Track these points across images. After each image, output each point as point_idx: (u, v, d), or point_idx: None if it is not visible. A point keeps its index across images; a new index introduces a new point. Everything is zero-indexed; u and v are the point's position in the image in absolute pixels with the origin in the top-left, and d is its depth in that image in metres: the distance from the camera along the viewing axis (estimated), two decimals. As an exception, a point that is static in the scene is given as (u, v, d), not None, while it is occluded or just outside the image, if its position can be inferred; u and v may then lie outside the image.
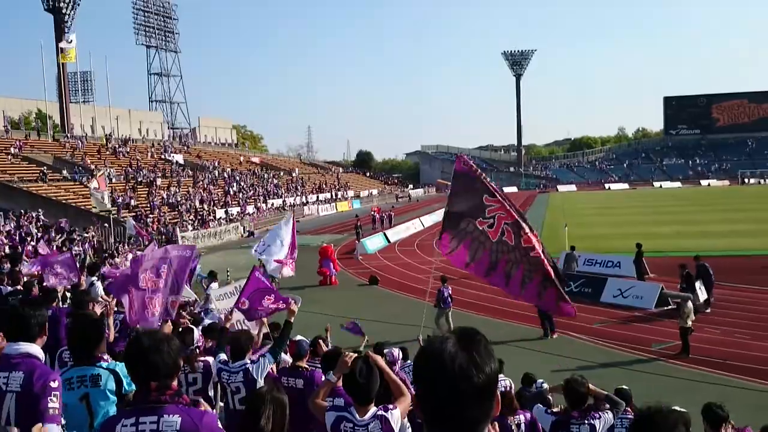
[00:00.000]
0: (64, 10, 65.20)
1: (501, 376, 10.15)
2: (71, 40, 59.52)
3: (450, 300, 19.36)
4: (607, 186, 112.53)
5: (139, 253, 19.18)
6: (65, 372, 4.38)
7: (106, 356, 4.55)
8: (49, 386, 3.58)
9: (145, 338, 3.09)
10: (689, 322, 16.13)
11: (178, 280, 6.74)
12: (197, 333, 7.25)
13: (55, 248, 23.50)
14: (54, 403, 3.53)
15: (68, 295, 11.30)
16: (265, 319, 9.05)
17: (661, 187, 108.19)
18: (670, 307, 20.10)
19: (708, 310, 20.08)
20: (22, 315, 3.89)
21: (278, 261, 15.93)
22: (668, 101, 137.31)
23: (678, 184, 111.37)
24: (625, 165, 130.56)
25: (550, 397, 9.07)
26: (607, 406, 6.88)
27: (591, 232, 42.21)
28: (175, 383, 3.08)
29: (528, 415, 7.74)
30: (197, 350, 7.19)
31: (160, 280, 6.54)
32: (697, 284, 20.27)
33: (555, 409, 7.74)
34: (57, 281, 11.18)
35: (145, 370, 3.03)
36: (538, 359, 15.78)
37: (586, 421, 6.38)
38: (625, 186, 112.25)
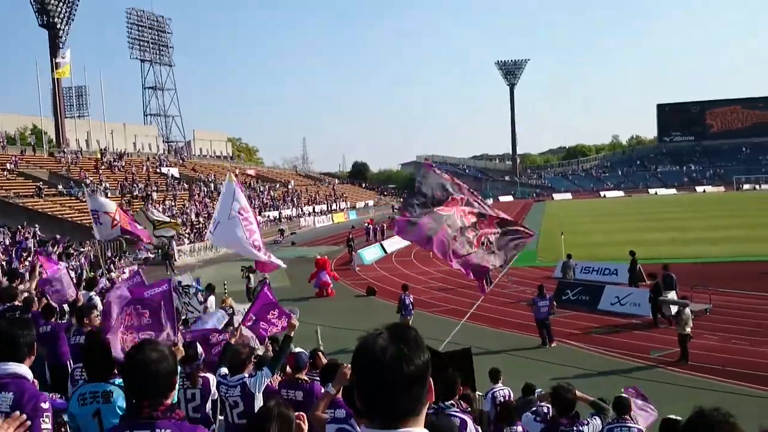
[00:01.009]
0: (58, 26, 65.34)
1: (500, 386, 10.18)
2: (65, 56, 59.59)
3: (411, 308, 19.86)
4: (602, 194, 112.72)
5: (134, 269, 19.18)
6: (80, 387, 4.46)
7: (115, 373, 4.60)
8: (40, 407, 3.52)
9: (141, 355, 3.07)
10: (688, 329, 16.15)
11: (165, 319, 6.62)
12: (200, 348, 7.28)
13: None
14: (46, 425, 3.49)
15: (65, 308, 11.28)
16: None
17: (656, 194, 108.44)
18: (668, 314, 20.13)
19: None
20: (10, 335, 3.80)
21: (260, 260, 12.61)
22: (661, 108, 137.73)
23: (673, 190, 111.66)
24: (619, 172, 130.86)
25: (548, 406, 9.06)
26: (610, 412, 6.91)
27: (587, 240, 42.28)
28: (168, 400, 3.07)
29: (527, 425, 7.74)
30: (201, 365, 7.21)
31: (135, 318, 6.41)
32: (671, 294, 20.35)
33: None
34: (56, 298, 11.14)
35: (138, 387, 3.04)
36: (537, 368, 15.77)
37: (574, 428, 6.42)
38: (620, 193, 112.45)
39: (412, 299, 20.15)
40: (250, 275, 26.65)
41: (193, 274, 18.99)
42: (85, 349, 4.83)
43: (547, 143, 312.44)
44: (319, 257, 30.55)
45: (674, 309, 20.30)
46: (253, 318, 8.60)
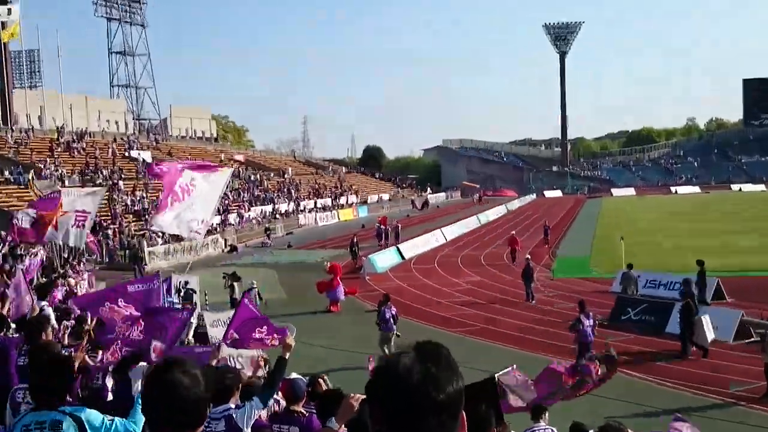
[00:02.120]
0: (5, -24, 65.73)
1: (542, 425, 10.18)
2: (12, 13, 59.76)
3: (393, 322, 20.11)
4: (672, 189, 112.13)
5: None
6: (23, 417, 4.43)
7: (69, 399, 4.62)
8: None
9: (168, 375, 2.89)
10: (775, 358, 16.06)
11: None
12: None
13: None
14: None
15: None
16: (262, 362, 9.11)
17: (740, 190, 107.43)
18: (752, 339, 20.01)
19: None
20: None
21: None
22: (748, 84, 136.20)
23: (761, 186, 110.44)
24: (695, 163, 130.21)
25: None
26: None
27: (653, 246, 42.13)
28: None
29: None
30: None
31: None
32: (704, 319, 20.16)
33: None
34: (13, 309, 11.22)
35: (160, 417, 2.90)
36: (590, 403, 15.68)
37: None
38: (696, 189, 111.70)
39: (394, 312, 20.41)
40: (234, 284, 26.84)
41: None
42: (32, 366, 4.82)
43: (605, 126, 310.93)
44: (329, 264, 29.93)
45: (710, 336, 20.05)
46: (235, 336, 8.57)
